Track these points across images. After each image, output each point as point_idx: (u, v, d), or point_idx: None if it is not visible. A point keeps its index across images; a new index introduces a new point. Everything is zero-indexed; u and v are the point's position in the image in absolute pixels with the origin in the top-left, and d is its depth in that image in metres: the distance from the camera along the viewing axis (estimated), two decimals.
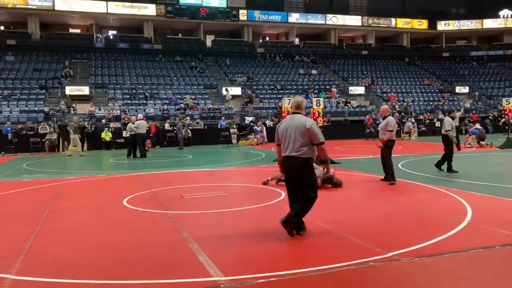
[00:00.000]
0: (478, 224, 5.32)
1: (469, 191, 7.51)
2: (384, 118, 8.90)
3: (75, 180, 10.59)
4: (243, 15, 38.26)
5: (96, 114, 24.39)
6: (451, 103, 33.54)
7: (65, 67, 30.92)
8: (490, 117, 29.23)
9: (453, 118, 10.42)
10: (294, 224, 4.90)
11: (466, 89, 36.59)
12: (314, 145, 4.87)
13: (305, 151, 4.84)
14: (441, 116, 29.46)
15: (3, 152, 19.19)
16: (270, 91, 31.85)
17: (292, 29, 41.04)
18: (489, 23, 43.66)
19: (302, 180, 4.93)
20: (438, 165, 10.19)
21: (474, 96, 35.92)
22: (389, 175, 8.61)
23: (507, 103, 18.12)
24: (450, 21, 43.85)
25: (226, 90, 29.60)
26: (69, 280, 3.81)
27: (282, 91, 31.28)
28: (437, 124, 28.01)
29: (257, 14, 38.80)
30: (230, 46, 38.77)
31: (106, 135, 21.32)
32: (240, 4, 38.81)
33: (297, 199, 4.98)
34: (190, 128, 23.16)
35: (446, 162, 10.05)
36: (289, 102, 15.04)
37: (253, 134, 23.23)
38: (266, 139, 23.51)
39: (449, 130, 10.02)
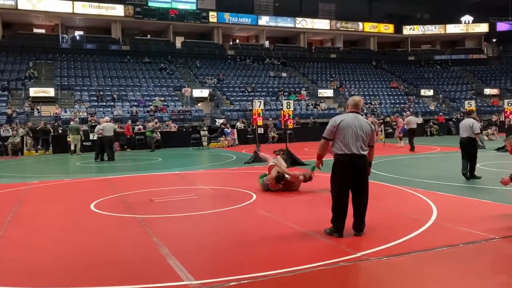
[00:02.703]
0: (443, 223, 5.49)
1: (434, 191, 7.74)
2: None
3: (41, 184, 10.27)
4: (213, 17, 38.15)
5: (62, 117, 23.74)
6: (416, 105, 34.50)
7: (29, 68, 29.92)
8: (453, 119, 30.21)
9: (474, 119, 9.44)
10: (361, 224, 5.01)
11: (430, 92, 37.73)
12: (368, 146, 5.03)
13: (368, 151, 4.99)
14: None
15: None
16: (241, 93, 31.88)
17: (262, 32, 41.21)
18: (452, 28, 45.22)
19: (365, 178, 5.01)
20: (472, 174, 9.12)
21: (438, 98, 37.09)
22: None
23: (469, 105, 18.79)
24: (415, 26, 45.13)
25: (187, 87, 29.31)
26: (34, 287, 3.70)
27: (252, 93, 31.38)
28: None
29: (227, 16, 38.75)
30: (200, 48, 38.57)
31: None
32: (210, 6, 38.67)
33: (355, 197, 4.99)
34: (160, 130, 22.87)
35: (469, 167, 9.16)
36: (260, 104, 15.11)
37: (223, 137, 23.17)
38: (237, 142, 23.50)
39: (479, 133, 9.24)
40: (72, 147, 19.57)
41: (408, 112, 22.54)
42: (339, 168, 4.98)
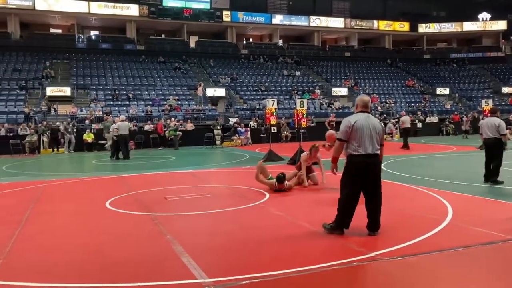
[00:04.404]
0: (459, 223, 5.42)
1: (450, 191, 7.63)
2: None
3: (57, 182, 10.42)
4: (226, 16, 38.22)
5: (78, 116, 24.05)
6: (432, 104, 34.09)
7: (46, 67, 30.41)
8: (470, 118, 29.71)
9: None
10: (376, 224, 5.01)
11: (446, 91, 37.21)
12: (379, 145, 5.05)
13: (380, 150, 5.03)
14: (421, 117, 29.97)
15: None
16: (254, 92, 31.88)
17: (275, 31, 41.16)
18: (469, 26, 44.53)
19: (379, 177, 5.03)
20: (495, 179, 8.41)
21: (454, 97, 36.57)
22: None
23: (486, 104, 18.45)
24: (430, 24, 44.57)
25: (200, 85, 29.46)
26: (50, 284, 3.76)
27: (266, 92, 31.36)
28: (419, 125, 28.44)
29: (240, 15, 38.79)
30: (214, 47, 38.68)
31: (88, 137, 21.05)
32: (223, 5, 38.77)
33: (369, 197, 5.00)
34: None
35: (493, 171, 8.46)
36: (273, 103, 15.08)
37: (237, 136, 23.21)
38: (250, 141, 23.51)
39: (505, 134, 8.47)
40: (108, 145, 19.99)
41: (403, 112, 22.83)
42: (353, 168, 4.95)
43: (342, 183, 5.10)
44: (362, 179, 4.94)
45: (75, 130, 21.32)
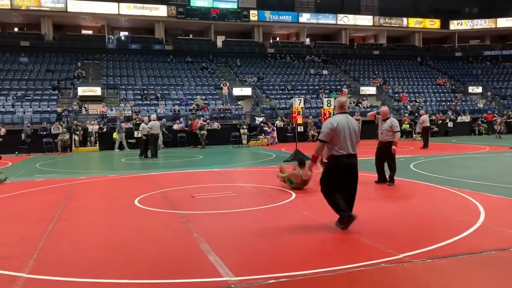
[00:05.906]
0: (492, 226, 5.26)
1: (482, 192, 7.41)
2: (385, 120, 8.53)
3: (87, 180, 10.68)
4: (253, 15, 38.28)
5: (108, 115, 24.59)
6: (464, 103, 33.19)
7: (78, 68, 31.24)
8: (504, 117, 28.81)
9: None
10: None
11: (479, 89, 36.11)
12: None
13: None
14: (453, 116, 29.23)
15: (16, 152, 19.46)
16: (281, 92, 31.81)
17: (302, 29, 40.94)
18: (503, 22, 43.07)
19: (357, 177, 5.33)
20: None
21: (487, 96, 35.47)
22: (392, 177, 8.45)
23: None
24: (463, 21, 43.37)
25: (224, 84, 29.64)
26: (80, 279, 3.85)
27: (293, 92, 31.24)
28: (450, 124, 27.78)
29: (267, 15, 38.78)
30: (241, 47, 38.81)
31: (118, 136, 21.47)
32: (250, 5, 38.83)
33: (348, 194, 5.27)
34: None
35: None
36: (300, 103, 15.02)
37: (263, 135, 23.20)
38: (276, 140, 23.47)
39: None
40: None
41: (422, 111, 22.86)
42: (336, 167, 5.21)
43: (323, 180, 5.30)
44: (343, 176, 5.22)
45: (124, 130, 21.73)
